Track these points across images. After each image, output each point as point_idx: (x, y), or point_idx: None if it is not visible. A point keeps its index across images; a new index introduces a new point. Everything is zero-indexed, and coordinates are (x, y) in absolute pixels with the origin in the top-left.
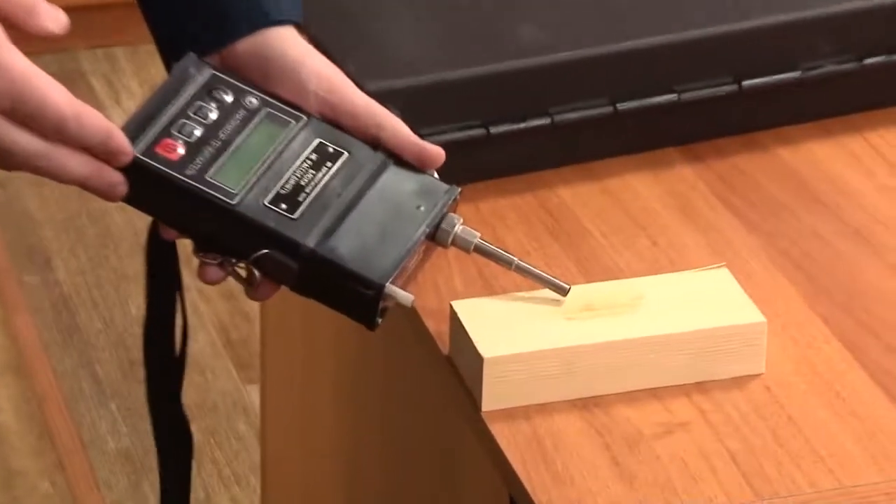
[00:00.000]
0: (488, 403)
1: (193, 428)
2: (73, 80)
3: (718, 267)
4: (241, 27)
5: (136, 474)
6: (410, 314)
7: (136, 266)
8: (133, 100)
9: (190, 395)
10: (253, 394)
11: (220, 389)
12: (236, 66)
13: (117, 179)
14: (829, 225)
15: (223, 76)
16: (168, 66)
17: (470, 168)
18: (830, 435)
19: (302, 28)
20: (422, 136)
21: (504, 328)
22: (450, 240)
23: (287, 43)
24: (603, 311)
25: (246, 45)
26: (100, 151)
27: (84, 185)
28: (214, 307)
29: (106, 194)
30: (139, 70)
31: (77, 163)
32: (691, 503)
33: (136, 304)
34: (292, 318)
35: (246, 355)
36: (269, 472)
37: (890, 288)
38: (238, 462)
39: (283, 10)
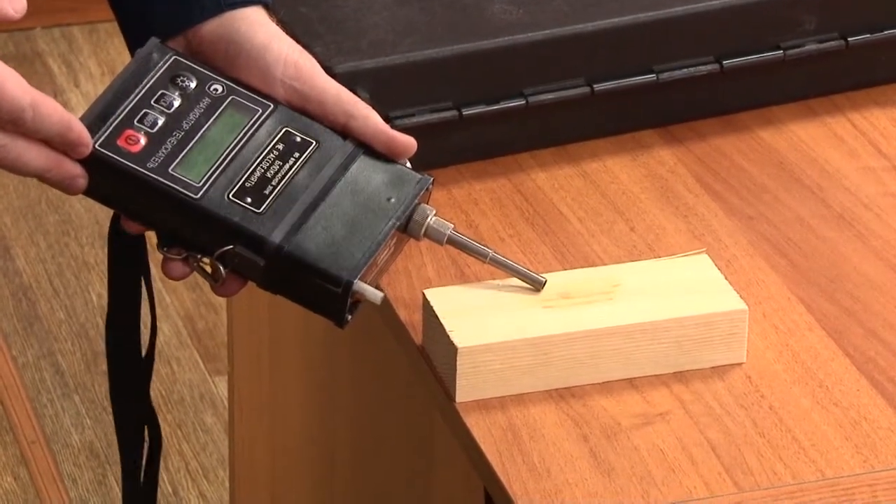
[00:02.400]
0: (462, 394)
1: (160, 421)
2: (30, 61)
3: (698, 253)
4: (207, 7)
5: (101, 468)
6: (382, 304)
7: (97, 254)
8: (92, 81)
9: (156, 388)
10: (220, 385)
11: (186, 381)
12: (202, 51)
13: (77, 172)
14: (812, 208)
15: (187, 62)
16: (132, 50)
17: (442, 151)
18: (813, 425)
19: (270, 9)
20: (392, 119)
21: (478, 317)
22: (422, 232)
23: (254, 26)
24: (579, 299)
25: (211, 27)
26: (58, 143)
27: (42, 177)
28: (180, 297)
29: (65, 187)
30: (98, 49)
31: (35, 154)
32: (670, 495)
33: (97, 293)
34: (259, 307)
35: (212, 346)
36: (238, 465)
37: (874, 273)
38: (206, 455)
39: None
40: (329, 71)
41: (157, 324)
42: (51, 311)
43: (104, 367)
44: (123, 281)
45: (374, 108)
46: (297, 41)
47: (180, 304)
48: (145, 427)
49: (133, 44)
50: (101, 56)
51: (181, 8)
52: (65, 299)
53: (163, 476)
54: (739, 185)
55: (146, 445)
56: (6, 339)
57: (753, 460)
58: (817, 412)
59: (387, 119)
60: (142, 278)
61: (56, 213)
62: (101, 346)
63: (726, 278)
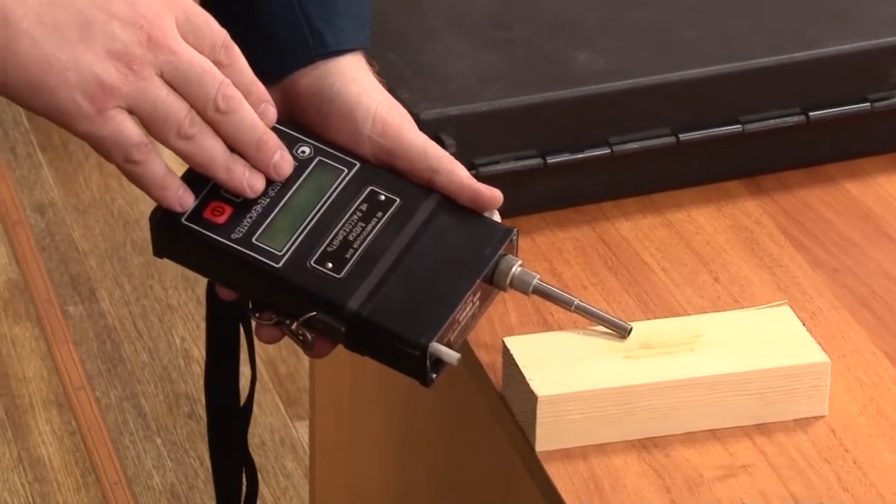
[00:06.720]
0: (542, 443)
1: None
2: None
3: (780, 304)
4: (299, 57)
5: None
6: (464, 350)
7: (180, 296)
8: None
9: None
10: (301, 430)
11: (267, 425)
12: (298, 105)
13: (257, 183)
14: None
15: (275, 125)
16: None
17: (526, 199)
18: None
19: (369, 53)
20: (476, 166)
21: (558, 366)
22: (507, 282)
23: (347, 81)
24: (660, 349)
25: (307, 81)
26: (255, 99)
27: (220, 175)
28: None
29: (239, 190)
30: None
31: (221, 149)
32: None
33: (180, 336)
34: (341, 352)
35: (294, 391)
36: None
37: None
38: (286, 499)
39: (342, 39)
40: (415, 117)
41: (240, 368)
42: (134, 353)
43: (186, 409)
44: (222, 334)
45: (458, 154)
46: (387, 88)
47: (263, 348)
48: (243, 474)
49: None
50: None
51: (275, 58)
52: (148, 342)
53: None
54: (825, 238)
55: (243, 492)
56: (90, 381)
57: None
58: None
59: (471, 166)
60: (241, 328)
61: (141, 255)
62: (182, 388)
63: (811, 331)
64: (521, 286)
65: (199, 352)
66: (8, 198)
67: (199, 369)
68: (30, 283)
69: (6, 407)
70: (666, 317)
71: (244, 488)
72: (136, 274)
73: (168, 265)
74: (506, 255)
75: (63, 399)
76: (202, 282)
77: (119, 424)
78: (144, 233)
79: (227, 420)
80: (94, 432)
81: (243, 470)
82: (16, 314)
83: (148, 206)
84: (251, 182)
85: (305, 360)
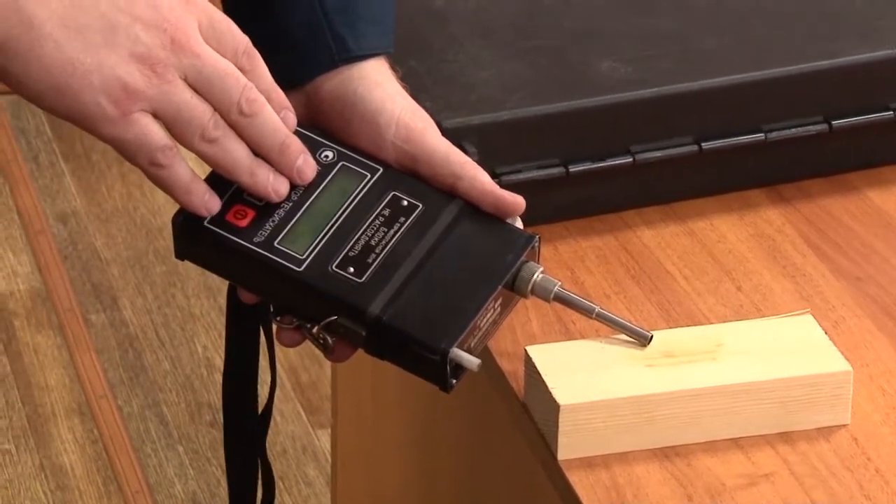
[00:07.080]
0: (564, 452)
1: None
2: None
3: (802, 313)
4: (322, 62)
5: None
6: (486, 358)
7: (202, 305)
8: None
9: None
10: (322, 438)
11: (289, 433)
12: (322, 110)
13: (281, 187)
14: None
15: (299, 129)
16: None
17: (548, 208)
18: None
19: (392, 58)
20: (499, 174)
21: (580, 374)
22: (529, 289)
23: (371, 87)
24: (682, 358)
25: (331, 86)
26: (276, 106)
27: (244, 179)
28: (284, 349)
29: (263, 194)
30: None
31: (245, 152)
32: None
33: (202, 345)
34: (363, 360)
35: (316, 399)
36: None
37: None
38: None
39: (364, 44)
40: (437, 126)
41: (260, 374)
42: (156, 361)
43: (208, 418)
44: (242, 336)
45: (481, 163)
46: (410, 94)
47: (285, 356)
48: (258, 482)
49: None
50: None
51: (297, 62)
52: (170, 350)
53: None
54: (848, 246)
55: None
56: (112, 389)
57: None
58: None
59: (494, 174)
60: (262, 332)
61: (163, 264)
62: (205, 397)
63: (833, 339)
64: (543, 293)
65: (221, 360)
66: (31, 206)
67: (221, 378)
68: (52, 291)
69: (28, 415)
70: (688, 325)
71: (259, 496)
72: (159, 282)
73: (191, 274)
74: (527, 261)
75: (85, 407)
76: (224, 291)
77: (141, 433)
78: (167, 241)
79: (244, 422)
80: (116, 441)
81: (259, 476)
82: (38, 323)
83: (170, 215)
84: (275, 186)
85: (327, 368)
